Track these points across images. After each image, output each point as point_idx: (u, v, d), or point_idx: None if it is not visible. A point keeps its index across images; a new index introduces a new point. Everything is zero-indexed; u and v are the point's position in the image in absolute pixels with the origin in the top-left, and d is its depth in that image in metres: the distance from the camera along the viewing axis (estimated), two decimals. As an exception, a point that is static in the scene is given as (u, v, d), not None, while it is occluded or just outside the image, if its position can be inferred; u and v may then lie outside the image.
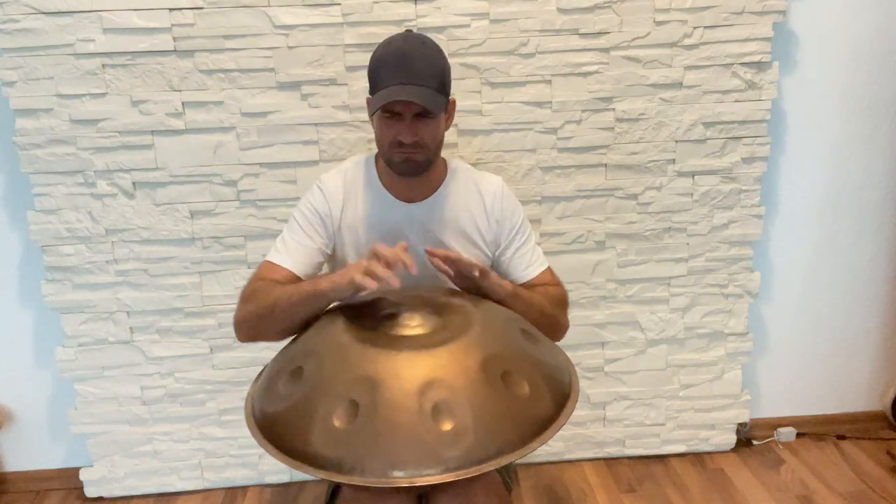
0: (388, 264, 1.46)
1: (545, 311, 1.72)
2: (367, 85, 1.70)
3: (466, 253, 1.77)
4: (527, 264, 1.82)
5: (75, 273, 2.33)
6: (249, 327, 1.64)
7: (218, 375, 2.45)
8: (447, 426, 1.23)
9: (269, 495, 2.54)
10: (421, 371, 1.29)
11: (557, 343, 1.65)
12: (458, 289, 1.69)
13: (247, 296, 1.65)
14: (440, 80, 1.64)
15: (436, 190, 1.79)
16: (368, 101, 1.70)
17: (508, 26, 2.23)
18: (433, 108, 1.60)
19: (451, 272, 1.63)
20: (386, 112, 1.63)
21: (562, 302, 1.81)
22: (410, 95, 1.58)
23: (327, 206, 1.77)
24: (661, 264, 2.46)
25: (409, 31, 1.70)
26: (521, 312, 1.65)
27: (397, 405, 1.24)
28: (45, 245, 2.30)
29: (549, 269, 1.85)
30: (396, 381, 1.27)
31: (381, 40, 1.70)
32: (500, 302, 1.64)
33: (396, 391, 1.26)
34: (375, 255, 1.49)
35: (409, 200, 1.77)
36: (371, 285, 1.43)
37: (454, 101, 1.76)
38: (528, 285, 1.79)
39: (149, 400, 2.46)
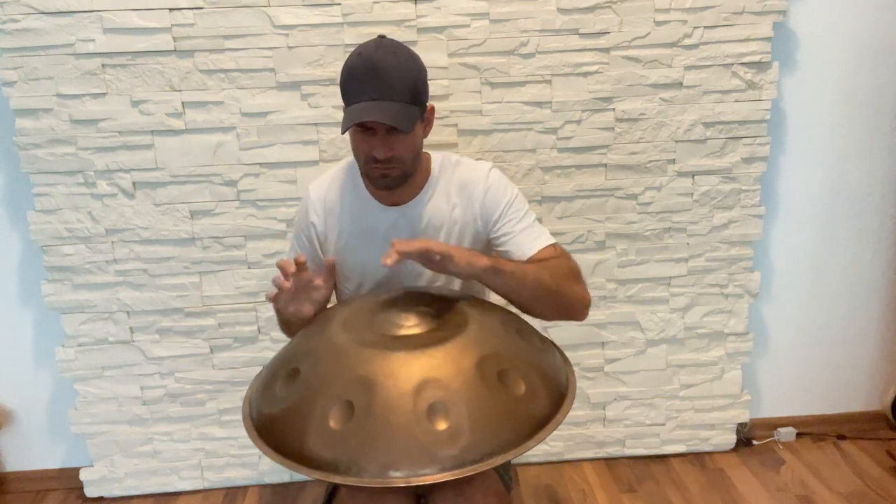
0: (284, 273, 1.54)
1: (544, 283, 1.60)
2: (340, 92, 1.64)
3: (460, 246, 1.75)
4: (526, 241, 1.72)
5: (75, 273, 2.33)
6: (286, 333, 1.82)
7: (218, 375, 2.45)
8: (443, 426, 1.23)
9: (269, 495, 2.54)
10: (416, 371, 1.29)
11: (559, 341, 1.65)
12: (454, 288, 1.69)
13: (276, 311, 1.79)
14: (413, 92, 1.59)
15: (419, 191, 1.76)
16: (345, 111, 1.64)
17: (508, 26, 2.23)
18: (404, 127, 1.56)
19: (417, 261, 1.55)
20: (359, 127, 1.59)
21: (568, 273, 1.66)
22: (380, 115, 1.54)
23: (311, 219, 1.80)
24: (661, 264, 2.46)
25: (382, 38, 1.64)
26: (513, 288, 1.59)
27: (393, 405, 1.25)
28: (45, 245, 2.30)
29: (553, 245, 1.72)
30: (392, 382, 1.27)
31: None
32: (478, 279, 1.58)
33: (392, 391, 1.26)
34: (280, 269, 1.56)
35: (393, 204, 1.75)
36: (270, 296, 1.55)
37: (432, 108, 1.71)
38: (530, 261, 1.70)
39: (149, 400, 2.46)
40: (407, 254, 1.49)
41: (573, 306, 1.67)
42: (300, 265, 1.53)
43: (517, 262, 1.66)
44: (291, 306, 1.60)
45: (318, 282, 1.63)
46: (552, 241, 1.74)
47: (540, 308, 1.64)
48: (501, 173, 1.81)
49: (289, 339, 1.73)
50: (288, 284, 1.53)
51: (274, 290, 1.54)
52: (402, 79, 1.57)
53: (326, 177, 1.84)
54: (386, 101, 1.56)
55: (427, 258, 1.52)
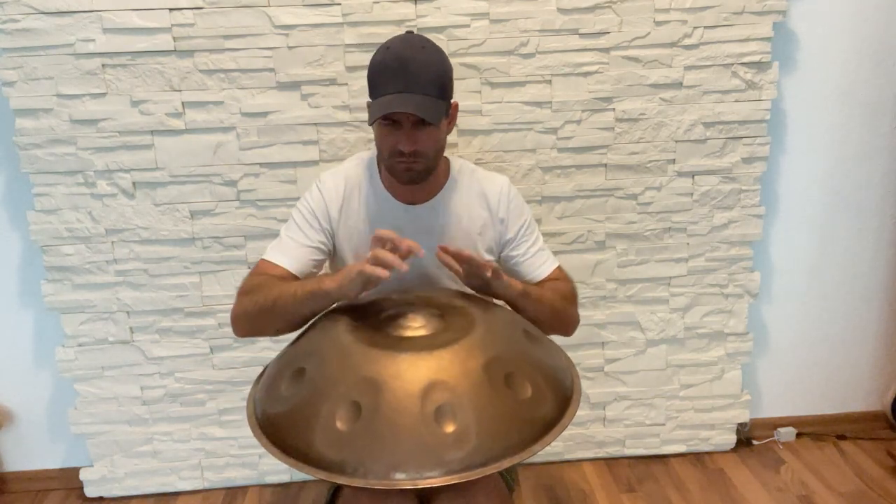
0: (394, 249, 1.46)
1: (556, 307, 1.72)
2: (367, 85, 1.66)
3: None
4: (539, 264, 1.81)
5: (75, 273, 2.32)
6: (249, 322, 1.64)
7: (218, 375, 2.45)
8: (449, 428, 1.23)
9: (269, 495, 2.54)
10: (423, 373, 1.29)
11: (560, 342, 1.66)
12: (462, 290, 1.69)
13: (247, 290, 1.65)
14: (440, 86, 1.61)
15: (438, 191, 1.77)
16: (369, 105, 1.65)
17: (508, 26, 2.23)
18: (432, 119, 1.57)
19: (461, 271, 1.59)
20: (385, 120, 1.60)
21: (570, 296, 1.80)
22: (408, 106, 1.55)
23: (324, 205, 1.76)
24: (661, 264, 2.46)
25: (409, 34, 1.66)
26: (532, 310, 1.66)
27: (400, 407, 1.25)
28: (45, 245, 2.30)
29: (558, 268, 1.84)
30: (399, 383, 1.28)
31: (381, 40, 1.68)
32: (508, 301, 1.64)
33: (399, 393, 1.26)
34: (380, 241, 1.48)
35: (410, 202, 1.76)
36: (382, 273, 1.42)
37: (456, 105, 1.73)
38: (539, 283, 1.80)
39: (149, 400, 2.45)
40: (460, 257, 1.55)
41: (569, 327, 1.82)
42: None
43: (538, 287, 1.75)
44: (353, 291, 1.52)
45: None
46: (557, 263, 1.85)
47: (543, 326, 1.69)
48: (517, 190, 1.85)
49: (242, 336, 1.70)
50: (406, 267, 1.45)
51: (385, 273, 1.44)
52: (430, 72, 1.58)
53: (341, 170, 1.82)
54: (414, 93, 1.57)
55: (475, 272, 1.59)
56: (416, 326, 1.44)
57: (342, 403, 1.28)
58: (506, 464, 1.24)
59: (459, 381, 1.29)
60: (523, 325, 1.54)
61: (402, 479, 1.20)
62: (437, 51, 1.64)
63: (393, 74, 1.57)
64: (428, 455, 1.21)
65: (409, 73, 1.56)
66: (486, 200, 1.79)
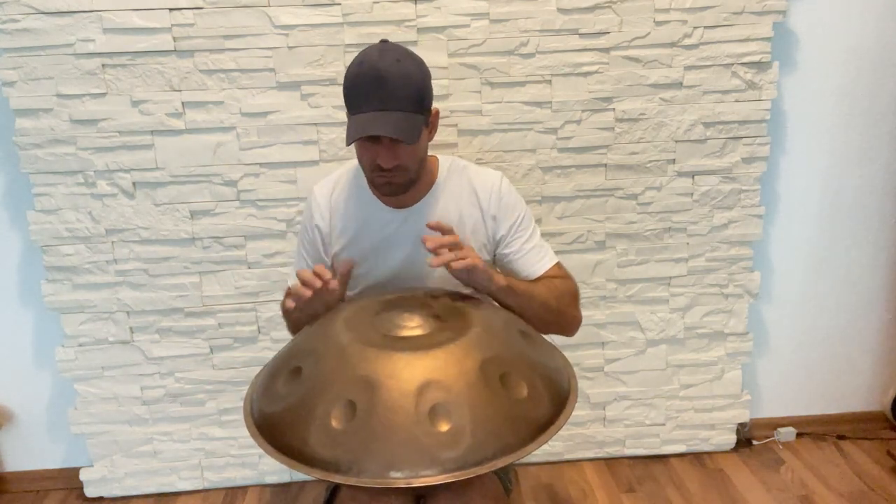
0: (306, 283, 1.53)
1: (549, 305, 1.67)
2: (343, 99, 1.63)
3: None
4: (535, 261, 1.77)
5: (75, 273, 2.33)
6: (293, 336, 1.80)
7: (218, 375, 2.45)
8: (445, 427, 1.23)
9: (269, 495, 2.54)
10: (419, 372, 1.29)
11: (560, 342, 1.65)
12: (457, 290, 1.69)
13: (283, 314, 1.88)
14: (417, 100, 1.58)
15: (425, 194, 1.76)
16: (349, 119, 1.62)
17: (508, 26, 2.23)
18: (409, 139, 1.55)
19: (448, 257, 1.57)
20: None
21: (569, 294, 1.75)
22: (386, 128, 1.53)
23: (316, 222, 1.80)
24: (661, 264, 2.46)
25: (384, 44, 1.61)
26: (521, 306, 1.64)
27: (395, 406, 1.24)
28: (45, 245, 2.30)
29: (557, 265, 1.79)
30: (394, 382, 1.27)
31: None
32: (491, 296, 1.63)
33: (394, 392, 1.26)
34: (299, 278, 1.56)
35: (398, 206, 1.75)
36: (290, 305, 1.57)
37: (436, 112, 1.70)
38: (535, 280, 1.76)
39: (149, 400, 2.46)
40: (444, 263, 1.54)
41: (569, 326, 1.78)
42: (325, 281, 1.53)
43: (527, 283, 1.71)
44: (307, 311, 1.61)
45: (334, 284, 1.57)
46: (556, 259, 1.80)
47: (538, 324, 1.66)
48: (511, 184, 1.82)
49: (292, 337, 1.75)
50: (309, 293, 1.53)
51: (292, 303, 1.56)
52: (406, 87, 1.55)
53: (331, 178, 1.84)
54: (391, 111, 1.54)
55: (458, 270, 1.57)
56: (412, 326, 1.44)
57: (338, 402, 1.28)
58: (500, 463, 1.23)
59: (455, 380, 1.29)
60: (520, 325, 1.54)
61: (398, 478, 1.20)
62: (414, 62, 1.60)
63: (368, 91, 1.54)
64: (423, 454, 1.21)
65: (385, 89, 1.53)
66: (477, 198, 1.77)
